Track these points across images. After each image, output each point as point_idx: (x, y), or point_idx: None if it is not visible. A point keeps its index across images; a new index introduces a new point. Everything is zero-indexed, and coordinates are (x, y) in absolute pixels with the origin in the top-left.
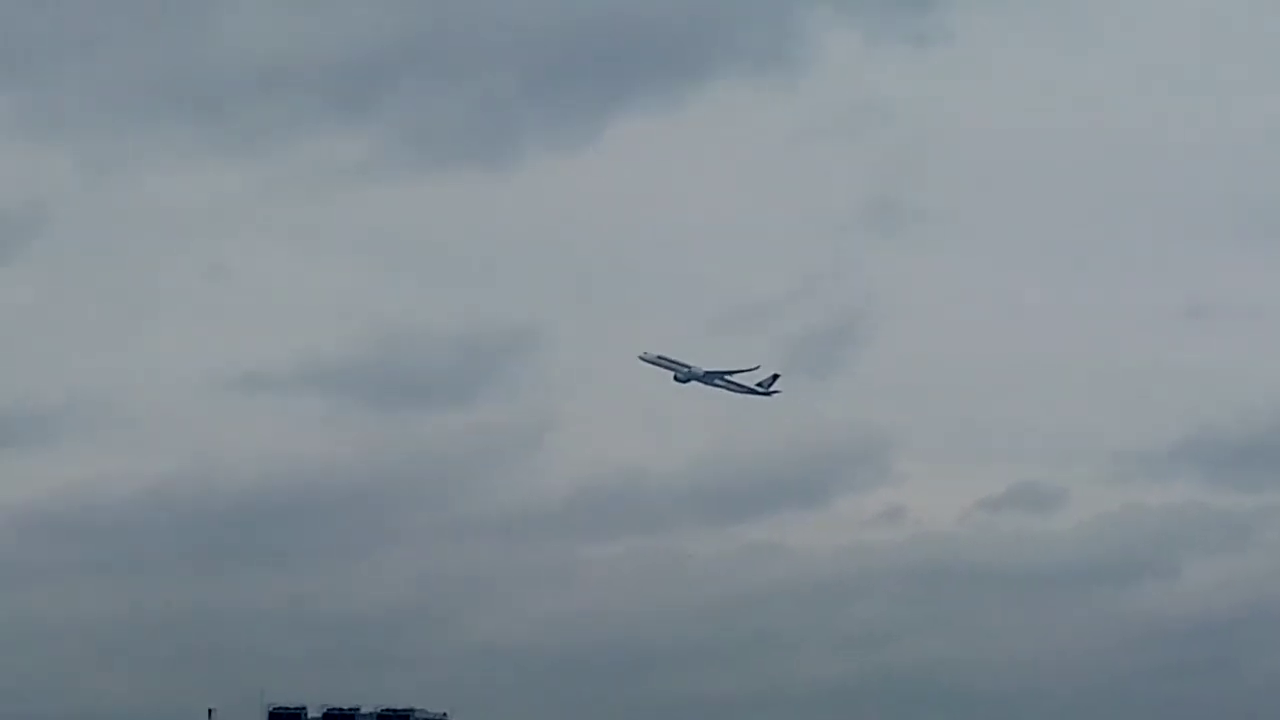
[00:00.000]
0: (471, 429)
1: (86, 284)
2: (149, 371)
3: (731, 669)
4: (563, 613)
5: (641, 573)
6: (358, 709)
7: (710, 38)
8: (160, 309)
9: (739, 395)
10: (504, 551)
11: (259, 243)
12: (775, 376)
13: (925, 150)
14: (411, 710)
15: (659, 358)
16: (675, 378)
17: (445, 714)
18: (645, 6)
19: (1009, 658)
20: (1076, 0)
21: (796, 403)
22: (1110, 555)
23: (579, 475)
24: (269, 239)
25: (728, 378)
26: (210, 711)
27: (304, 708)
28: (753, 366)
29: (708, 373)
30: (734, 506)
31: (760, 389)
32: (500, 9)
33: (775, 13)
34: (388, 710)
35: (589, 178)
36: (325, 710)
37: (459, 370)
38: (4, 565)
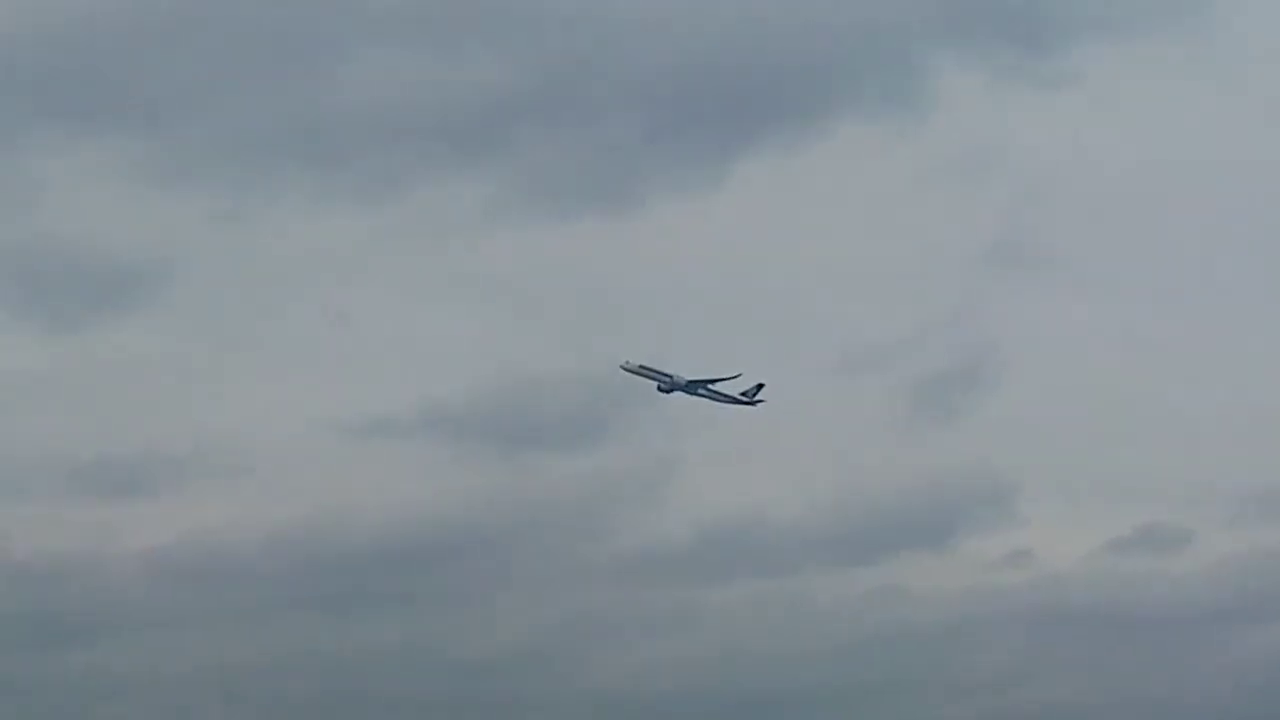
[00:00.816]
0: (594, 473)
1: (213, 332)
2: (274, 418)
3: (853, 713)
4: (684, 657)
5: (763, 616)
6: None
7: (833, 80)
8: (285, 356)
9: (725, 405)
10: (626, 596)
11: (382, 289)
12: (760, 386)
13: (1050, 192)
14: None
15: (640, 367)
16: (659, 388)
17: None
18: (768, 50)
19: (1136, 702)
20: (1205, 39)
21: (920, 445)
22: (1238, 597)
23: (701, 519)
24: (392, 285)
25: (710, 387)
26: None
27: None
28: (734, 374)
29: (690, 382)
30: (856, 549)
31: (745, 399)
32: (622, 54)
33: (898, 55)
34: None
35: (711, 221)
36: None
37: (581, 415)
38: (132, 611)
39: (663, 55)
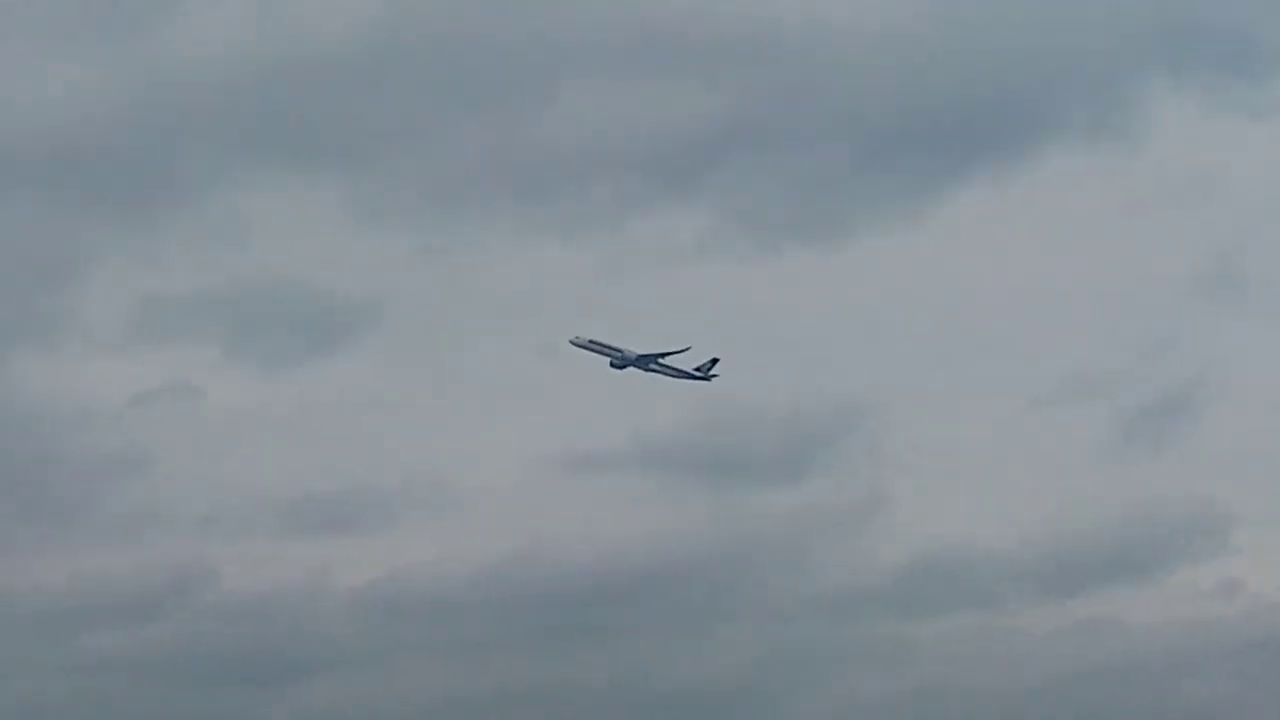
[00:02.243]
0: (802, 506)
1: (423, 368)
2: (485, 454)
3: None
4: (892, 691)
5: (973, 649)
6: None
7: (1042, 109)
8: (495, 392)
9: (679, 381)
10: (834, 629)
11: (591, 323)
12: (714, 360)
13: (1262, 220)
14: None
15: (590, 342)
16: (611, 364)
17: None
18: (975, 80)
19: None
20: None
21: (1131, 475)
22: None
23: (909, 552)
24: (600, 319)
25: (661, 361)
26: None
27: None
28: (684, 348)
29: (641, 357)
30: (1067, 581)
31: (699, 374)
32: (831, 86)
33: (1108, 84)
34: None
35: (920, 252)
36: None
37: (789, 448)
38: (343, 646)
39: (871, 87)
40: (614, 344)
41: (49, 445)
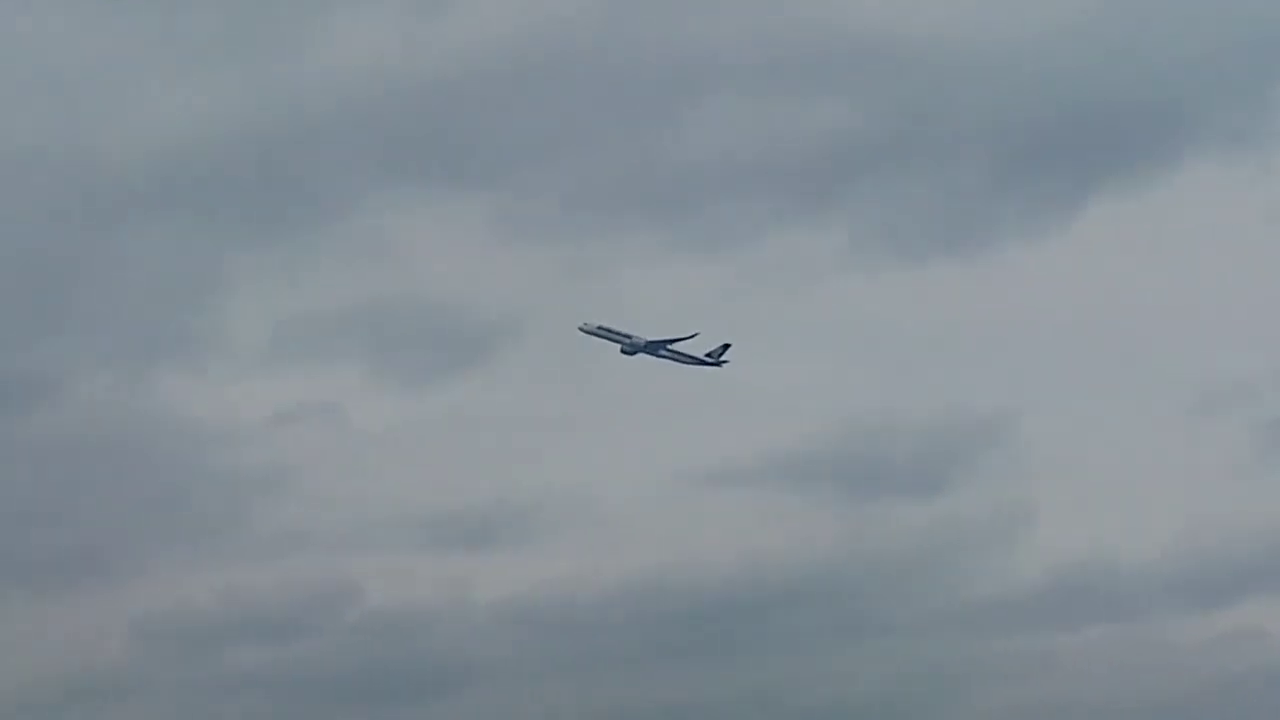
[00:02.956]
0: (943, 519)
1: (562, 384)
2: (624, 469)
3: None
4: (1036, 704)
5: (1117, 662)
6: None
7: (1182, 119)
8: (634, 408)
9: (689, 366)
10: (976, 643)
11: (730, 338)
12: (725, 346)
13: None
14: None
15: (599, 328)
16: (621, 350)
17: None
18: (1115, 90)
19: None
20: None
21: (1275, 484)
22: None
23: (1050, 564)
24: (739, 334)
25: (671, 347)
26: None
27: None
28: (691, 334)
29: (650, 343)
30: (1212, 592)
31: (710, 359)
32: (970, 98)
33: (1247, 92)
34: None
35: (1060, 264)
36: None
37: (930, 460)
38: (485, 661)
39: (1010, 98)
40: (623, 330)
41: (194, 464)
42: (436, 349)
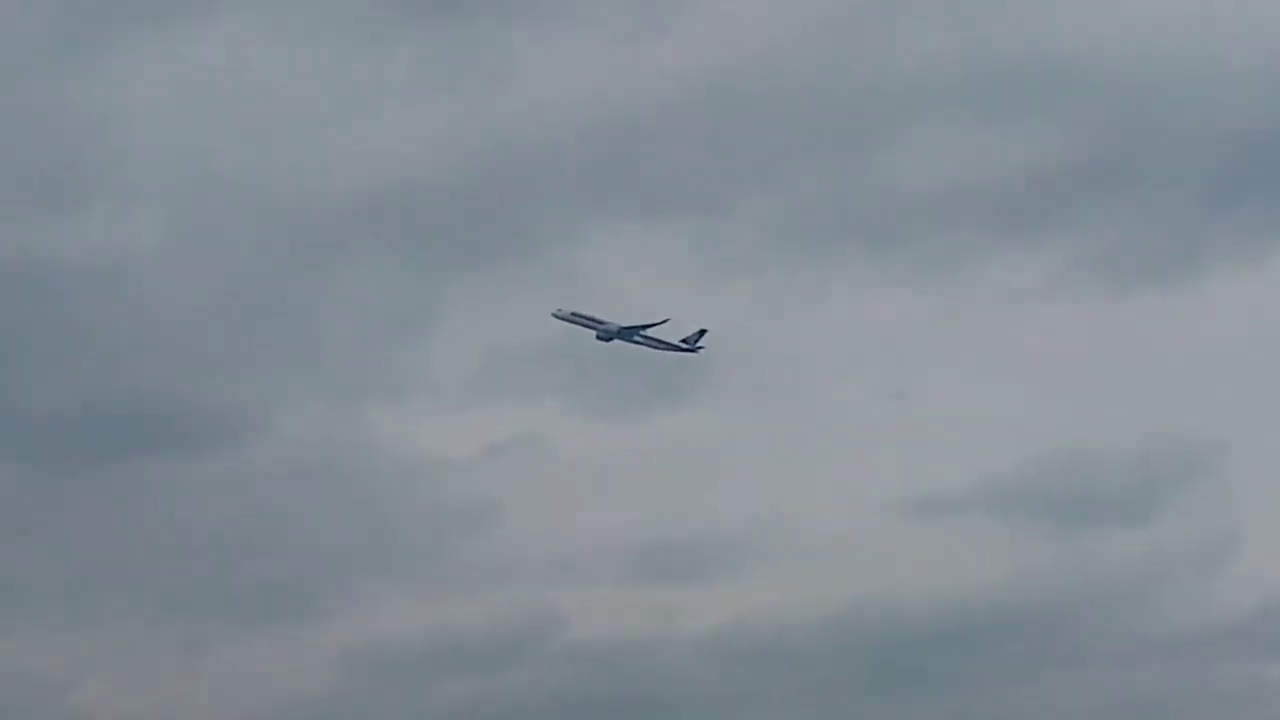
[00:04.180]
0: (1150, 548)
1: (767, 414)
2: (830, 499)
3: None
4: None
5: None
6: None
7: None
8: (841, 437)
9: (665, 352)
10: (1184, 673)
11: (938, 367)
12: (702, 332)
13: None
14: None
15: (572, 314)
16: (597, 337)
17: None
18: None
19: None
20: None
21: None
22: None
23: (1260, 593)
24: (948, 363)
25: (645, 334)
26: None
27: None
28: (662, 320)
29: (623, 329)
30: None
31: (686, 346)
32: (1178, 123)
33: None
34: None
35: (1271, 292)
36: None
37: (1137, 490)
38: (692, 692)
39: (1220, 122)
40: (597, 316)
41: (402, 497)
42: (642, 380)
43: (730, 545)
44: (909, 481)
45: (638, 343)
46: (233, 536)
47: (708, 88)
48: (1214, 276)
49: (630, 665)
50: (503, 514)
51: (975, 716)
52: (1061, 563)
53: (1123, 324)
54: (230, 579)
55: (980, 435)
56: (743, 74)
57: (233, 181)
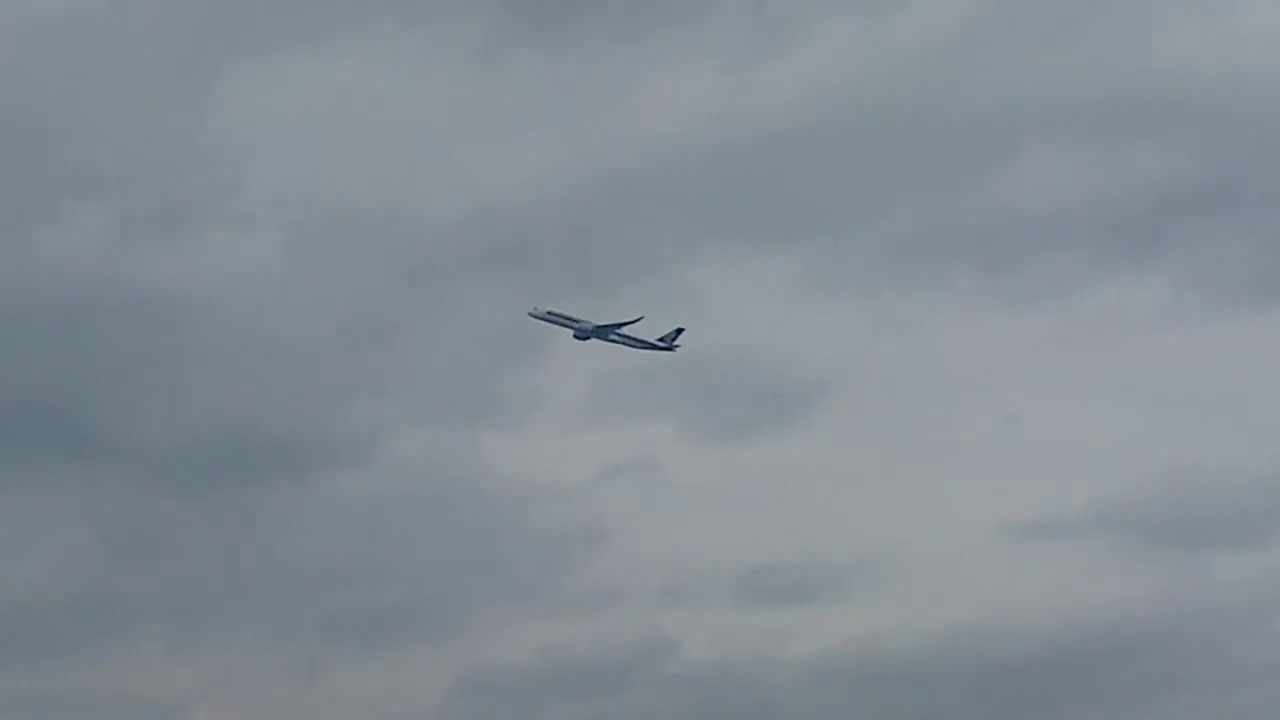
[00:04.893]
0: (1265, 572)
1: (877, 439)
2: (940, 524)
3: None
4: None
5: None
6: None
7: None
8: (952, 461)
9: (641, 351)
10: None
11: (1050, 391)
12: (679, 330)
13: None
14: None
15: (549, 313)
16: (574, 335)
17: None
18: None
19: None
20: None
21: None
22: None
23: None
24: (1060, 386)
25: (621, 332)
26: None
27: None
28: (636, 318)
29: (598, 327)
30: None
31: (662, 344)
32: None
33: None
34: None
35: None
36: None
37: (1253, 513)
38: (801, 716)
39: None
40: (572, 315)
41: (514, 521)
42: (754, 403)
43: (839, 569)
44: (1020, 505)
45: (614, 341)
46: (347, 561)
47: (819, 111)
48: None
49: (739, 689)
50: (613, 538)
51: None
52: (1174, 586)
53: (1235, 346)
54: (345, 603)
55: (1093, 458)
56: (854, 97)
57: (347, 209)
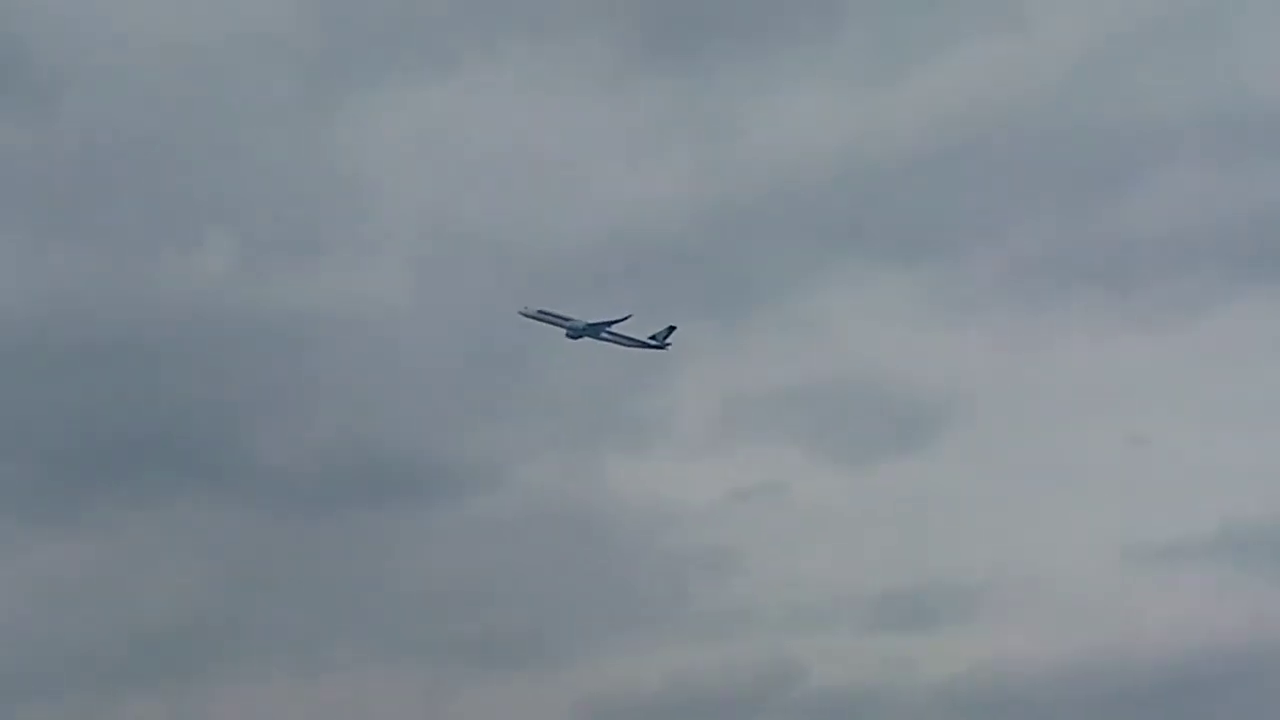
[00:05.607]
0: None
1: (1004, 462)
2: (1068, 547)
3: None
4: None
5: None
6: None
7: None
8: (1078, 484)
9: (633, 350)
10: None
11: (1178, 412)
12: (671, 329)
13: None
14: None
15: (540, 312)
16: (566, 335)
17: None
18: None
19: None
20: None
21: None
22: None
23: None
24: (1187, 408)
25: (612, 330)
26: None
27: None
28: (624, 316)
29: (589, 325)
30: None
31: (654, 342)
32: None
33: None
34: None
35: None
36: None
37: None
38: None
39: None
40: (563, 313)
41: (640, 545)
42: (880, 426)
43: (967, 593)
44: (1149, 527)
45: (605, 339)
46: (473, 585)
47: (944, 133)
48: None
49: (868, 714)
50: (741, 562)
51: None
52: None
53: None
54: (470, 627)
55: (1222, 480)
56: (979, 120)
57: (473, 234)
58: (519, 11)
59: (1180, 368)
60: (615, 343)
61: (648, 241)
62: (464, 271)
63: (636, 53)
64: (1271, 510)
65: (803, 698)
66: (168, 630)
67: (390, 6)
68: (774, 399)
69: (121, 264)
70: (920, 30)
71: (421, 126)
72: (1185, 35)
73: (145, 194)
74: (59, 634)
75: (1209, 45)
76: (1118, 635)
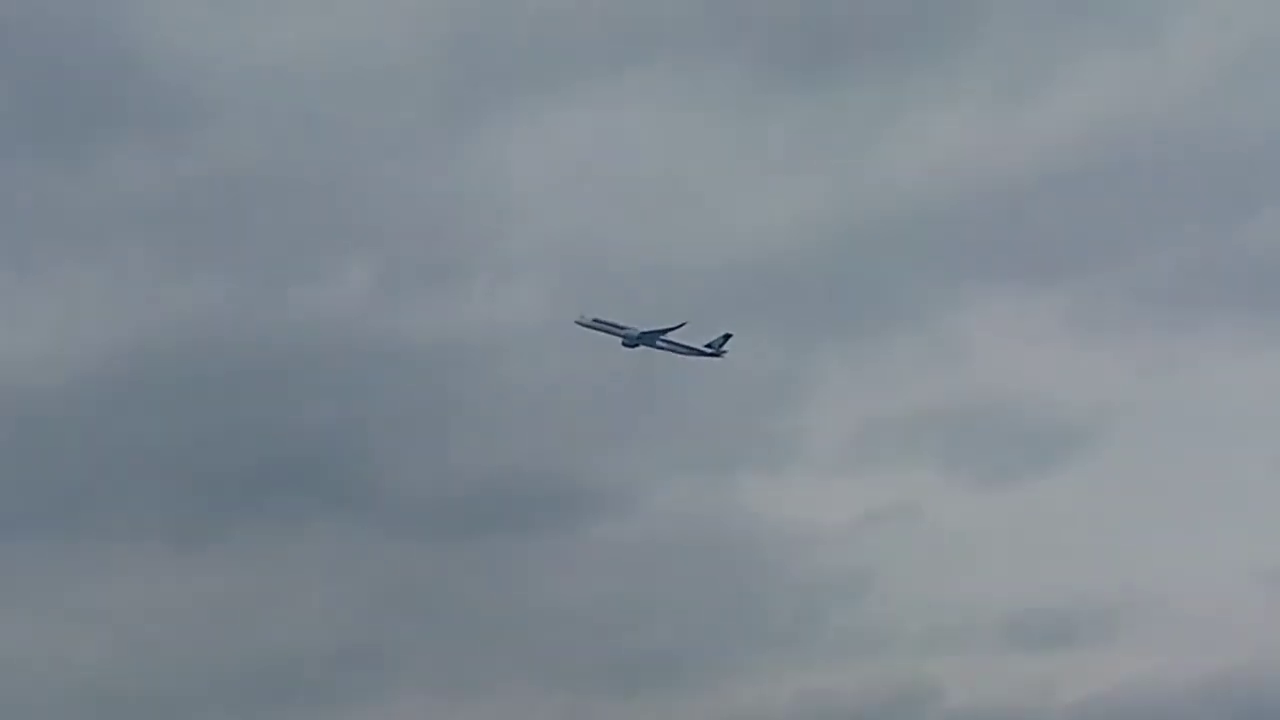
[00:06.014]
0: None
1: (1143, 482)
2: (1209, 567)
3: None
4: None
5: None
6: None
7: None
8: (1219, 503)
9: (687, 357)
10: None
11: None
12: (727, 336)
13: None
14: None
15: (595, 321)
16: (622, 344)
17: None
18: None
19: None
20: None
21: None
22: None
23: None
24: None
25: (667, 338)
26: None
27: None
28: (679, 324)
29: (644, 333)
30: None
31: (710, 350)
32: None
33: None
34: None
35: None
36: None
37: None
38: None
39: None
40: (619, 322)
41: (775, 567)
42: (1015, 447)
43: (1105, 613)
44: None
45: (661, 347)
46: (610, 608)
47: (1080, 151)
48: None
49: None
50: (876, 583)
51: None
52: None
53: None
54: (608, 650)
55: None
56: (1114, 137)
57: (608, 258)
58: (653, 36)
59: None
60: (671, 350)
61: (783, 263)
62: (600, 296)
63: (769, 72)
64: None
65: (939, 718)
66: (309, 655)
67: (526, 33)
68: (908, 420)
69: (261, 292)
70: (1052, 47)
71: (557, 152)
72: None
73: (283, 223)
74: (202, 658)
75: None
76: (1255, 656)
